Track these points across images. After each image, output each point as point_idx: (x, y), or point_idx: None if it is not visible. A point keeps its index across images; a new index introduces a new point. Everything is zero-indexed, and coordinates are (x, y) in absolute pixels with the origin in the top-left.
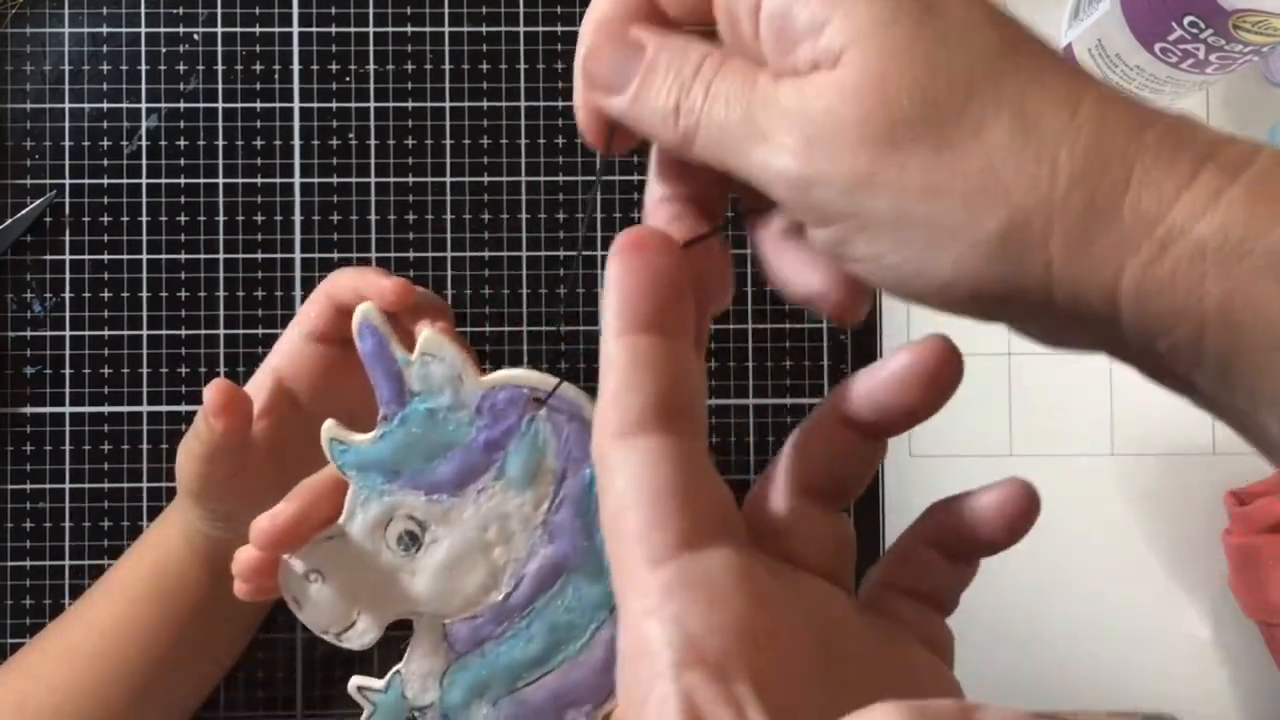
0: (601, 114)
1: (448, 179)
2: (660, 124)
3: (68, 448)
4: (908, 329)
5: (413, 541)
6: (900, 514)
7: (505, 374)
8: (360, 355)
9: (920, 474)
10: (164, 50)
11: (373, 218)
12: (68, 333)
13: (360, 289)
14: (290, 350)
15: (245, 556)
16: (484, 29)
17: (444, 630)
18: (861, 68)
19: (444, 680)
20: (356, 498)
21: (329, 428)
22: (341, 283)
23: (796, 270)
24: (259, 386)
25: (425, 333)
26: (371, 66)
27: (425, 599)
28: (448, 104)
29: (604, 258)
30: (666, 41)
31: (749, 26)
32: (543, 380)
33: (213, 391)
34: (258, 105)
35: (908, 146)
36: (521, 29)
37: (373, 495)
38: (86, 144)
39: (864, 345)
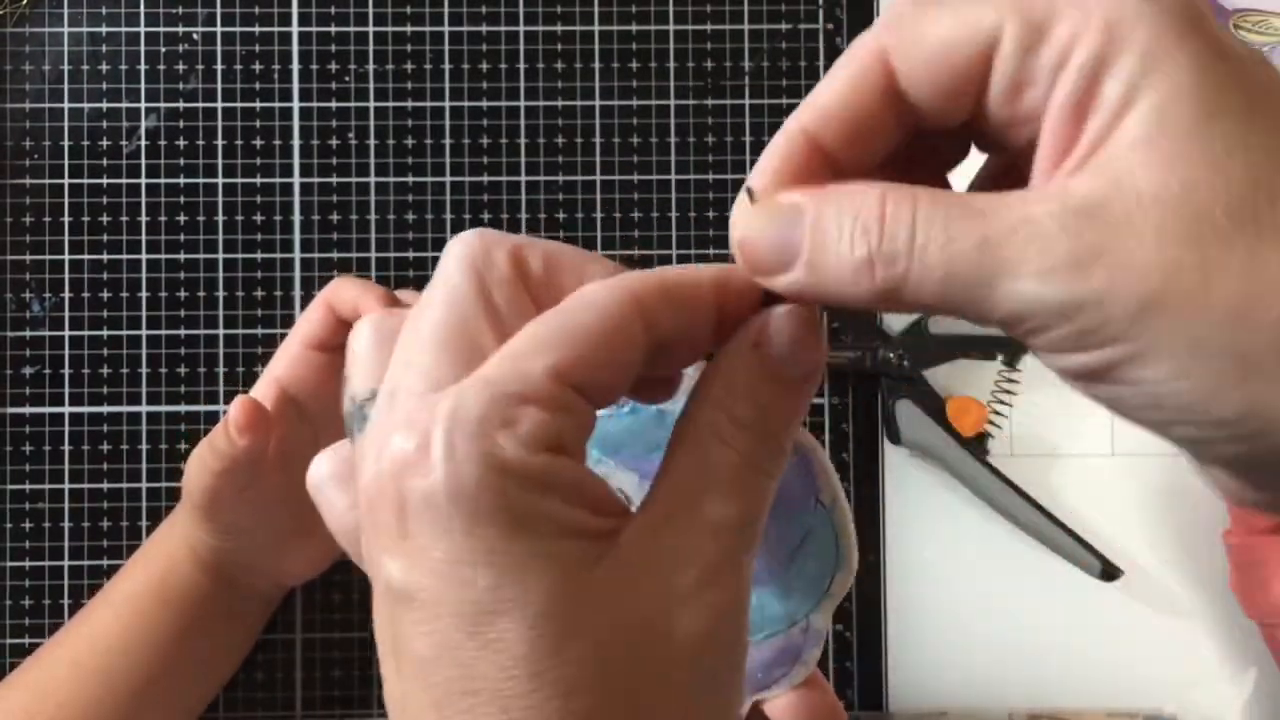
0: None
1: (447, 179)
2: (852, 283)
3: (67, 448)
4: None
5: (615, 517)
6: (900, 514)
7: None
8: None
9: (920, 475)
10: (163, 50)
11: (372, 218)
12: (67, 333)
13: (362, 309)
14: (292, 359)
15: None
16: (484, 29)
17: None
18: (1166, 171)
19: None
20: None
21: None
22: (343, 295)
23: None
24: (263, 397)
25: None
26: (371, 66)
27: None
28: (447, 104)
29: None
30: (827, 193)
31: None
32: None
33: (238, 409)
34: (257, 105)
35: (1216, 265)
36: (521, 29)
37: (589, 461)
38: (86, 144)
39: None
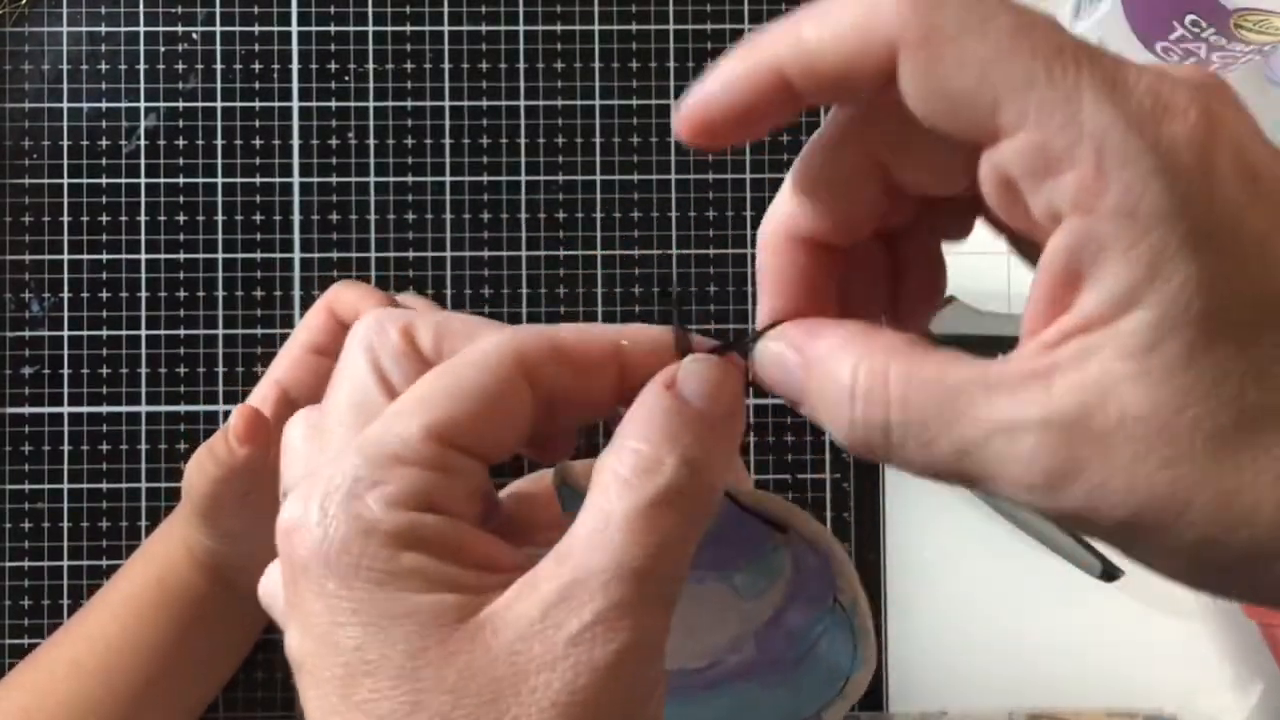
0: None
1: (447, 179)
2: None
3: (66, 448)
4: None
5: None
6: (900, 514)
7: (757, 494)
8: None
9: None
10: (163, 50)
11: (372, 218)
12: (66, 333)
13: (362, 314)
14: (293, 362)
15: None
16: (484, 29)
17: None
18: (1153, 392)
19: None
20: None
21: (564, 470)
22: (344, 299)
23: None
24: (263, 400)
25: None
26: (371, 66)
27: None
28: (447, 104)
29: (604, 257)
30: (811, 365)
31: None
32: (789, 511)
33: (239, 418)
34: (256, 105)
35: (1193, 490)
36: (521, 29)
37: None
38: (86, 144)
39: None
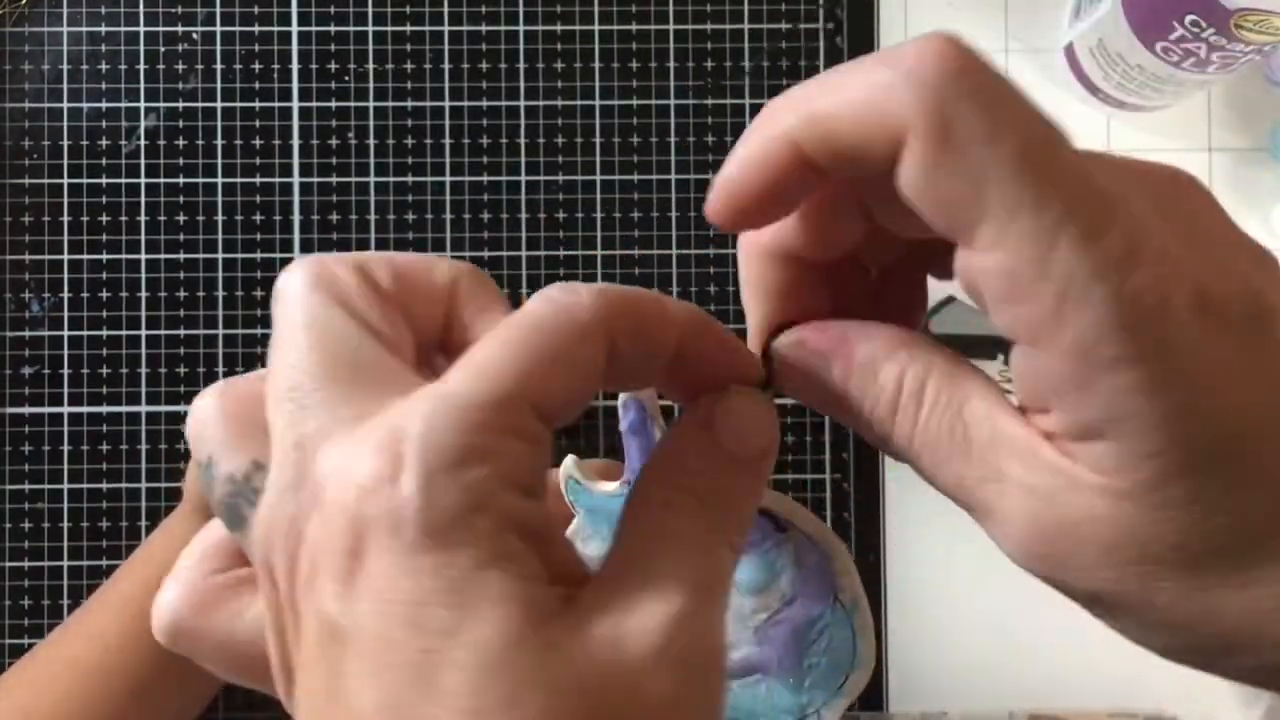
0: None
1: (447, 179)
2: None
3: (66, 448)
4: None
5: None
6: (900, 514)
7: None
8: (621, 428)
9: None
10: (163, 50)
11: (372, 218)
12: (66, 333)
13: None
14: None
15: None
16: (484, 29)
17: None
18: (1118, 508)
19: None
20: (580, 532)
21: (570, 465)
22: None
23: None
24: None
25: None
26: (371, 66)
27: None
28: (447, 104)
29: (604, 257)
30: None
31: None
32: (791, 508)
33: None
34: (256, 105)
35: (1158, 589)
36: (521, 29)
37: (596, 536)
38: (86, 144)
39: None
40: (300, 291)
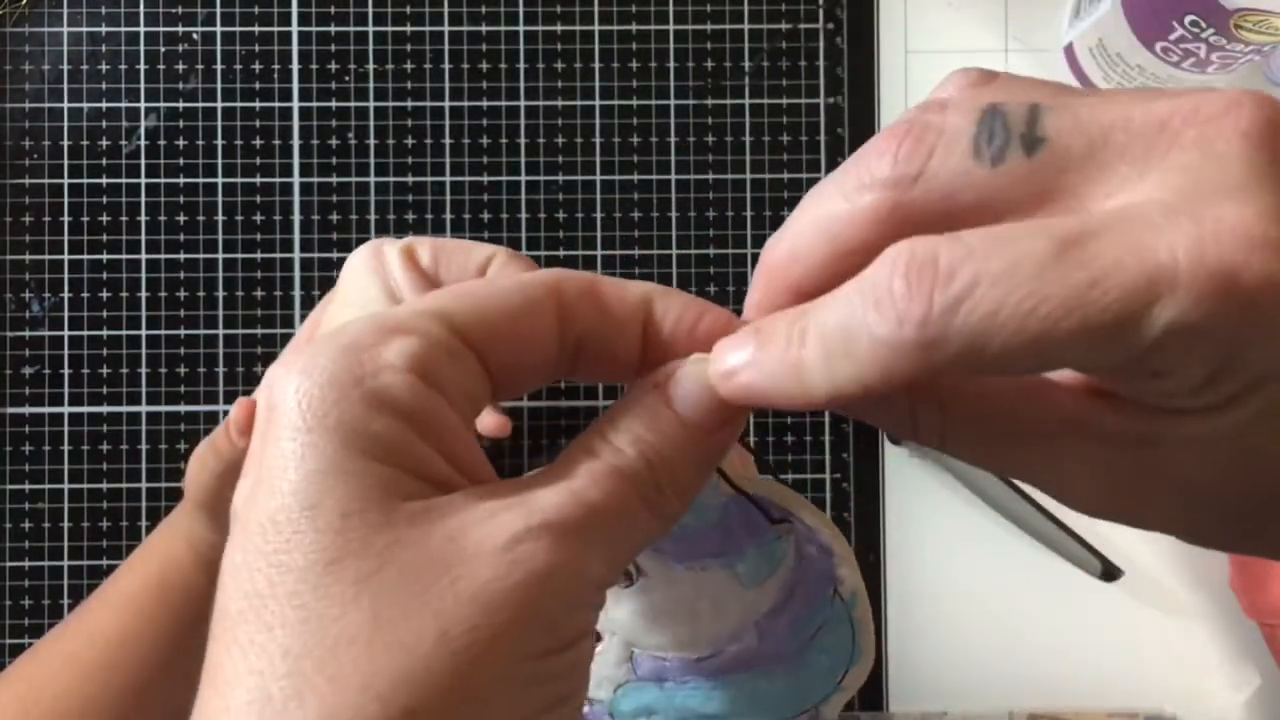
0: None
1: (447, 179)
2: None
3: (66, 448)
4: None
5: (625, 577)
6: (900, 514)
7: (761, 483)
8: None
9: (920, 475)
10: (163, 50)
11: (372, 218)
12: (66, 333)
13: None
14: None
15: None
16: (484, 29)
17: (631, 653)
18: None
19: (619, 689)
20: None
21: None
22: None
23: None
24: None
25: None
26: (371, 66)
27: (620, 625)
28: (447, 104)
29: (604, 257)
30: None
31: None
32: (793, 500)
33: (240, 410)
34: (257, 105)
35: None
36: (521, 29)
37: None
38: (86, 144)
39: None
40: (357, 266)
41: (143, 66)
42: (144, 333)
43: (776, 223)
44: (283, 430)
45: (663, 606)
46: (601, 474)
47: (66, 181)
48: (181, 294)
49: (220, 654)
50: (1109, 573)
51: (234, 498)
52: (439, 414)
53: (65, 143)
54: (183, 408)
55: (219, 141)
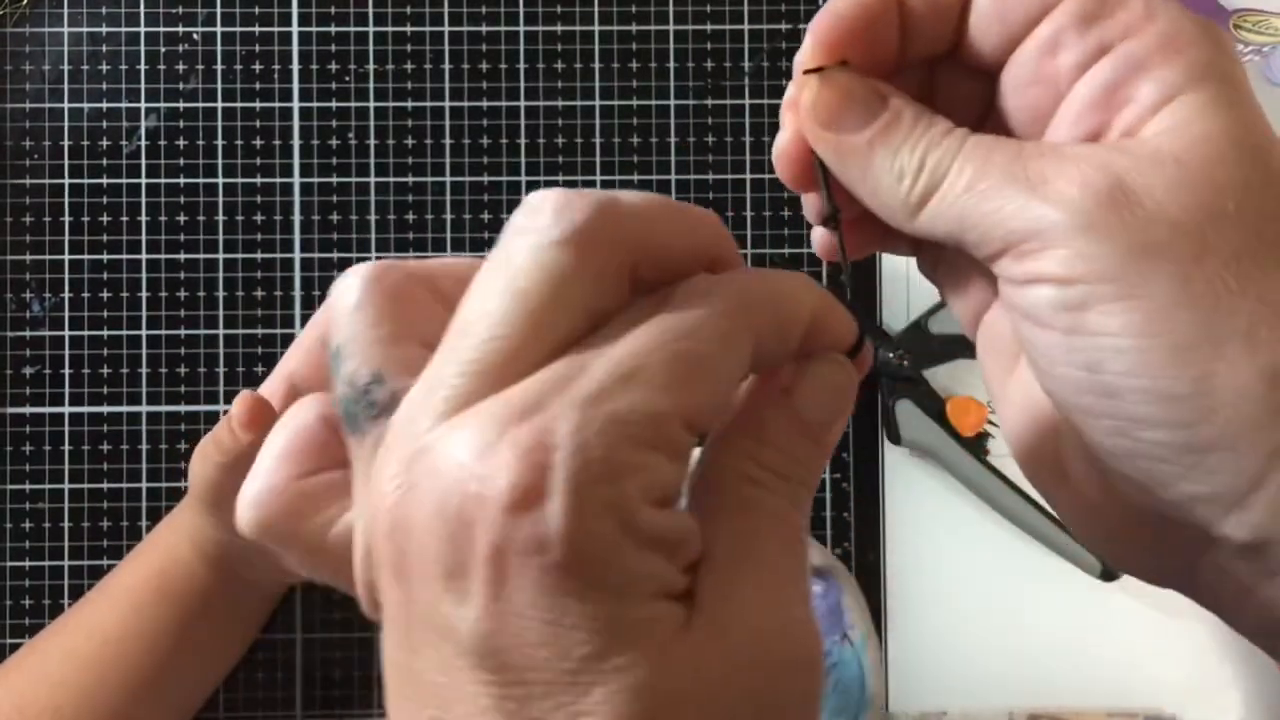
0: (806, 156)
1: (447, 179)
2: (893, 180)
3: (67, 448)
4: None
5: None
6: (900, 514)
7: None
8: None
9: (920, 475)
10: (163, 50)
11: (372, 217)
12: (67, 333)
13: None
14: (305, 356)
15: None
16: (484, 29)
17: None
18: (1188, 144)
19: None
20: None
21: None
22: None
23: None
24: (273, 393)
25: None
26: (371, 66)
27: None
28: (447, 104)
29: None
30: (912, 103)
31: (1055, 78)
32: None
33: (241, 404)
34: (257, 105)
35: (1213, 244)
36: (521, 29)
37: None
38: (86, 144)
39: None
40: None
41: (143, 66)
42: (144, 333)
43: (776, 223)
44: (552, 582)
45: None
46: (793, 533)
47: (67, 181)
48: (181, 294)
49: None
50: (1109, 573)
51: (458, 624)
52: (692, 532)
53: (65, 143)
54: (183, 408)
55: (219, 142)
